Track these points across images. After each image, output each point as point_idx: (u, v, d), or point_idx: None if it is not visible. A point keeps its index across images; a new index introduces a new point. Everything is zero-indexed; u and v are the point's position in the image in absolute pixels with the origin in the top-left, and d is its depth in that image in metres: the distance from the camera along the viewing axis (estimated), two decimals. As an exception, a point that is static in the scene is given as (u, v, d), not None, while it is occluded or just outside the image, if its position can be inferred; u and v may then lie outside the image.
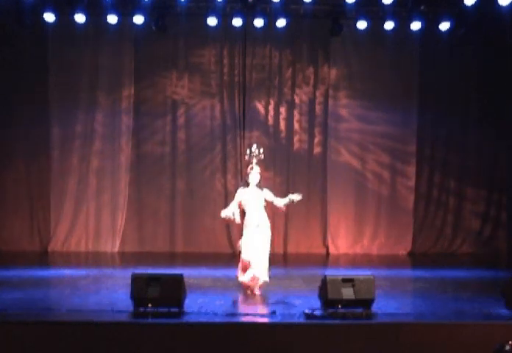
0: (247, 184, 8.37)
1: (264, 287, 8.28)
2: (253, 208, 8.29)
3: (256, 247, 8.18)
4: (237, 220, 8.32)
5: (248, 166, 8.47)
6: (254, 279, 8.17)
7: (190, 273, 8.38)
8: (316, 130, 12.81)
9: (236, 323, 6.85)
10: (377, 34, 11.99)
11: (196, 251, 12.41)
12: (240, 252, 8.41)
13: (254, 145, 8.50)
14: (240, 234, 8.51)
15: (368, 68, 12.65)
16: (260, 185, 8.37)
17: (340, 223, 12.78)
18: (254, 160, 8.38)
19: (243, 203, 8.37)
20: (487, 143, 12.90)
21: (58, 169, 12.55)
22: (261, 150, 8.41)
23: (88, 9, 11.20)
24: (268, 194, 8.38)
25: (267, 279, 8.26)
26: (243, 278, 8.28)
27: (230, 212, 8.27)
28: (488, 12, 10.90)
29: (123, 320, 6.86)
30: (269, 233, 8.32)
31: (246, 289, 8.31)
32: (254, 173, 8.34)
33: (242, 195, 8.37)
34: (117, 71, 12.52)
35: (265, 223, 8.32)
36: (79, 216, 12.58)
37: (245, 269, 8.26)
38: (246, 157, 8.52)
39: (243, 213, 8.40)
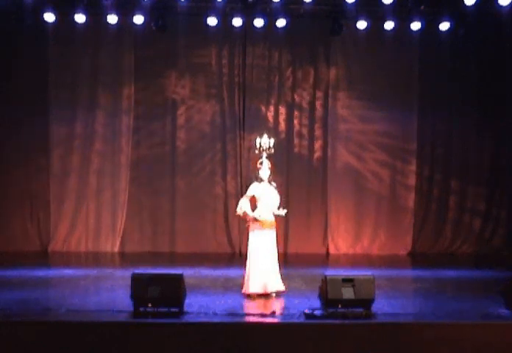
0: (260, 180, 8.14)
1: (280, 295, 8.08)
2: (265, 205, 8.08)
3: (270, 254, 8.02)
4: (250, 213, 8.07)
5: (257, 160, 8.26)
6: (266, 289, 7.97)
7: (190, 273, 8.36)
8: (316, 130, 12.81)
9: (236, 323, 6.84)
10: (377, 34, 12.01)
11: (196, 251, 12.40)
12: (246, 258, 8.16)
13: (265, 137, 8.25)
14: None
15: (368, 68, 12.65)
16: (271, 181, 8.18)
17: (340, 223, 12.78)
18: (264, 154, 8.17)
19: (256, 198, 8.14)
20: (487, 142, 12.91)
21: (58, 169, 12.55)
22: (271, 143, 8.19)
23: (88, 9, 11.24)
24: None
25: (283, 287, 8.12)
26: (254, 289, 7.99)
27: (244, 208, 8.05)
28: (488, 12, 10.91)
29: (123, 320, 6.86)
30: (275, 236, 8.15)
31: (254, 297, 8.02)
32: (265, 169, 8.13)
33: (255, 190, 8.12)
34: (117, 71, 12.53)
35: (274, 224, 8.15)
36: (79, 216, 12.58)
37: (257, 279, 7.97)
38: (256, 151, 8.28)
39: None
